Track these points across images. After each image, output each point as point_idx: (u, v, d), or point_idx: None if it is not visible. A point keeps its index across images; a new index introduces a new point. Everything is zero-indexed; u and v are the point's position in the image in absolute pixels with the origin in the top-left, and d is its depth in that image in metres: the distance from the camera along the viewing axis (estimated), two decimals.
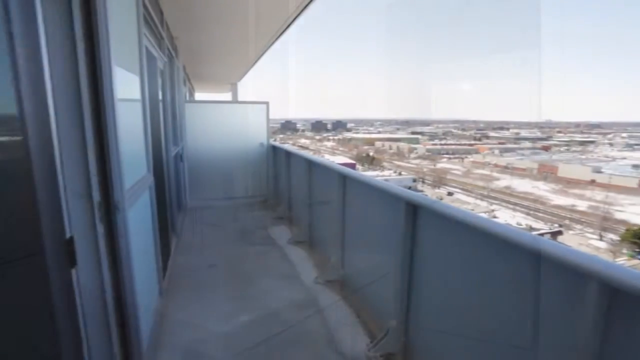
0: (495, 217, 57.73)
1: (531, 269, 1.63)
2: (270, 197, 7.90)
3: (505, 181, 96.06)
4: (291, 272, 4.37)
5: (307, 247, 5.11)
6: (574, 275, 1.34)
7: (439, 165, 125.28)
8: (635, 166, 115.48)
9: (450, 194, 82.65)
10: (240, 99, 13.08)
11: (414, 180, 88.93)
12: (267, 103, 7.96)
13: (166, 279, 4.10)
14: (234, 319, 3.43)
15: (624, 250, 47.40)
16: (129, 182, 2.19)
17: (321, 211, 4.72)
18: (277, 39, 6.83)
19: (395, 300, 2.67)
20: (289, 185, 6.35)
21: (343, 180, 3.82)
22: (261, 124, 7.86)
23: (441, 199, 75.91)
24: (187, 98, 12.07)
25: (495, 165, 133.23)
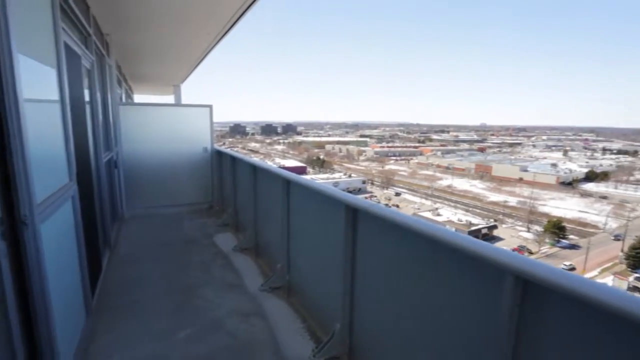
0: (439, 214, 61.39)
1: (457, 266, 1.70)
2: (216, 204, 7.67)
3: (447, 181, 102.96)
4: (236, 280, 4.24)
5: (253, 254, 4.99)
6: (494, 270, 1.44)
7: (387, 167, 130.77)
8: (553, 165, 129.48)
9: (398, 194, 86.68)
10: (186, 101, 12.56)
11: (364, 182, 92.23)
12: (210, 106, 7.67)
13: (96, 297, 3.76)
14: (171, 336, 3.22)
15: (547, 240, 52.98)
16: (43, 193, 1.96)
17: (267, 217, 4.62)
18: (219, 40, 6.63)
19: (340, 303, 2.67)
20: (234, 191, 6.18)
21: (287, 185, 3.77)
22: (205, 128, 7.58)
23: (390, 199, 78.65)
24: (124, 100, 11.30)
25: (438, 166, 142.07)
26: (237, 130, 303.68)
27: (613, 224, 61.14)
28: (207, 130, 7.57)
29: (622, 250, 48.38)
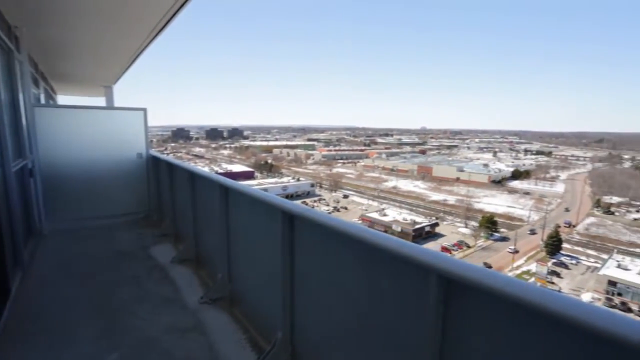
0: (385, 214, 63.60)
1: (388, 267, 1.74)
2: (153, 213, 7.20)
3: (392, 182, 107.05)
4: (173, 294, 4.01)
5: (194, 264, 4.77)
6: (420, 270, 1.50)
7: (335, 170, 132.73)
8: (485, 165, 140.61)
9: (346, 196, 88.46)
10: (122, 104, 11.65)
11: (312, 185, 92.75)
12: (144, 109, 7.12)
13: (2, 325, 3.27)
14: None
15: (482, 234, 57.31)
16: None
17: (207, 225, 4.44)
18: (153, 39, 6.19)
19: (281, 310, 2.64)
20: (172, 199, 5.86)
21: (225, 192, 3.68)
22: (139, 132, 7.08)
23: (338, 202, 79.76)
24: (43, 101, 10.17)
25: (383, 168, 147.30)
26: (180, 134, 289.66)
27: (535, 217, 68.10)
28: (141, 135, 7.09)
29: (542, 240, 54.01)
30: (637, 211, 75.91)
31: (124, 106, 7.44)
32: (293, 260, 2.55)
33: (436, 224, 61.58)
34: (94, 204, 6.88)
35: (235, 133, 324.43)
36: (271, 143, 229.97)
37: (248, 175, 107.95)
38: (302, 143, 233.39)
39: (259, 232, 3.14)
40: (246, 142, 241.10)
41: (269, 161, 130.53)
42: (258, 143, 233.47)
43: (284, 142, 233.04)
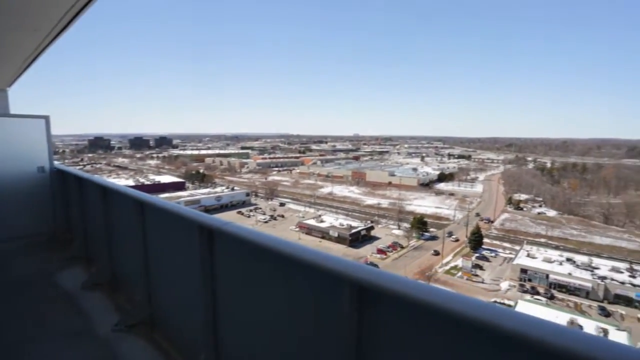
0: (322, 221, 63.67)
1: (307, 279, 1.77)
2: (60, 233, 6.57)
3: (328, 188, 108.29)
4: (82, 325, 3.66)
5: (109, 288, 4.41)
6: (335, 280, 1.52)
7: (270, 178, 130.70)
8: (414, 169, 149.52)
9: (282, 204, 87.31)
10: (25, 111, 9.72)
11: (248, 194, 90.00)
12: (46, 117, 6.25)
13: None
14: None
15: (414, 234, 60.15)
16: None
17: (122, 244, 4.20)
18: (54, 39, 5.10)
19: (203, 332, 2.52)
20: (83, 217, 5.44)
21: (141, 208, 3.48)
22: (39, 143, 6.30)
23: (275, 210, 78.06)
24: None
25: (319, 175, 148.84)
26: (99, 144, 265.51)
27: (459, 215, 73.77)
28: (43, 146, 6.35)
29: (466, 236, 58.47)
30: (540, 206, 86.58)
31: (21, 113, 6.48)
32: (214, 277, 2.46)
33: (372, 228, 63.22)
34: None
35: (163, 142, 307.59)
36: (203, 152, 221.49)
37: (178, 186, 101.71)
38: (236, 151, 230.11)
39: (178, 249, 3.00)
40: (175, 152, 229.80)
41: (201, 171, 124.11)
42: (189, 152, 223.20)
43: (217, 151, 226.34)
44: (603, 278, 41.37)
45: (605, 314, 37.19)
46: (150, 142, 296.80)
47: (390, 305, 1.39)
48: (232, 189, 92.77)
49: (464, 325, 1.13)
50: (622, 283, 40.46)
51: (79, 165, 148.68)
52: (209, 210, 78.71)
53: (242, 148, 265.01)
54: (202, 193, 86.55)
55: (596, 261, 46.93)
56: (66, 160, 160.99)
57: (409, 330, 1.34)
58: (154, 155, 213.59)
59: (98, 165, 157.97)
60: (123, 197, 3.93)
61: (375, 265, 50.09)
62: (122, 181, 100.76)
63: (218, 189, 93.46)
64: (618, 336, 30.45)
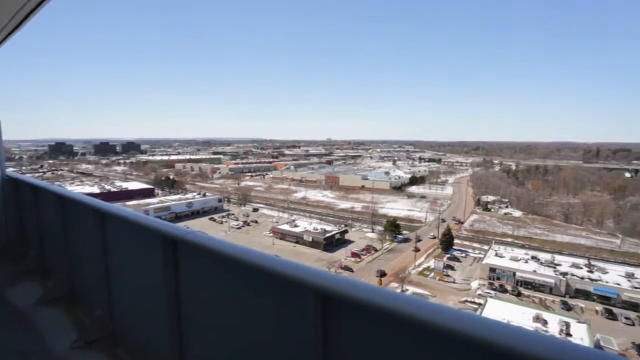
0: (296, 225, 63.22)
1: (272, 288, 1.75)
2: (13, 245, 6.16)
3: (301, 193, 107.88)
4: (35, 344, 3.45)
5: (67, 303, 4.20)
6: (300, 288, 1.51)
7: (243, 183, 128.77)
8: (386, 173, 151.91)
9: (255, 209, 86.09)
10: None
11: (220, 200, 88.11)
12: None
13: None
14: None
15: (387, 237, 60.87)
16: None
17: (82, 256, 4.02)
18: (4, 39, 4.52)
19: (169, 345, 2.47)
20: (39, 228, 5.23)
21: (101, 218, 3.37)
22: None
23: (248, 216, 76.63)
24: None
25: (292, 180, 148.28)
26: (61, 149, 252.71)
27: (431, 217, 75.54)
28: None
29: (437, 238, 59.87)
30: (506, 207, 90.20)
31: None
32: (179, 288, 2.40)
33: (345, 231, 63.44)
34: None
35: (131, 147, 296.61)
36: (173, 157, 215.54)
37: (147, 193, 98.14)
38: (208, 157, 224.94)
39: (141, 260, 2.94)
40: (144, 157, 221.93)
41: (171, 177, 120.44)
42: (158, 157, 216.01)
43: (188, 156, 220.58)
44: (564, 274, 43.47)
45: (567, 308, 39.03)
46: (117, 148, 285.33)
47: (355, 313, 1.38)
48: (204, 195, 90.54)
49: (432, 332, 1.13)
50: (582, 278, 42.67)
51: (38, 172, 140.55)
52: (179, 217, 76.83)
53: (214, 153, 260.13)
54: (172, 200, 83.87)
55: (558, 258, 49.32)
56: (24, 167, 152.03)
57: (375, 337, 1.34)
58: (121, 161, 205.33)
59: (60, 172, 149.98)
60: (83, 207, 3.81)
61: (350, 269, 50.32)
62: (86, 189, 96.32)
63: (189, 195, 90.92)
64: (579, 328, 32.03)
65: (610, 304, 39.55)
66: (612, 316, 37.47)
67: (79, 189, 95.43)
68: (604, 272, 44.55)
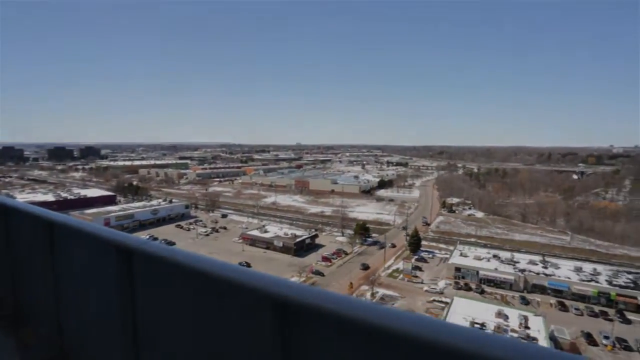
0: (266, 231, 62.69)
1: (232, 299, 1.70)
2: None
3: (271, 198, 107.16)
4: None
5: (9, 323, 3.93)
6: (257, 297, 1.45)
7: (211, 189, 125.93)
8: (355, 177, 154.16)
9: (224, 215, 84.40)
10: None
11: (187, 207, 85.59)
12: None
13: None
14: None
15: (357, 240, 61.78)
16: None
17: (28, 270, 3.82)
18: None
19: None
20: None
21: (50, 228, 3.18)
22: None
23: (217, 222, 74.99)
24: None
25: (262, 185, 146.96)
26: (9, 154, 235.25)
27: (399, 220, 77.55)
28: None
29: (406, 240, 61.56)
30: (470, 208, 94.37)
31: None
32: (135, 302, 2.28)
33: (316, 236, 63.70)
34: None
35: (90, 152, 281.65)
36: (136, 162, 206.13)
37: (108, 201, 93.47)
38: (174, 162, 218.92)
39: (93, 273, 2.79)
40: (104, 162, 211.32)
41: (135, 183, 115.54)
42: (120, 163, 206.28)
43: (153, 161, 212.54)
44: (522, 271, 46.15)
45: (525, 302, 41.44)
46: (74, 153, 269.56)
47: (315, 321, 1.35)
48: (170, 202, 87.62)
49: (390, 338, 1.13)
50: (538, 274, 45.51)
51: None
52: (144, 224, 74.18)
53: (181, 158, 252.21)
54: (136, 207, 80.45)
55: (517, 256, 52.26)
56: None
57: (336, 345, 1.32)
58: (79, 166, 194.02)
59: (8, 179, 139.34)
60: (28, 217, 3.58)
61: (321, 274, 50.58)
62: (38, 197, 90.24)
63: (154, 202, 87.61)
64: (536, 321, 34.15)
65: (562, 296, 42.50)
66: (564, 308, 40.35)
67: (30, 197, 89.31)
68: (557, 267, 47.81)
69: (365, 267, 50.86)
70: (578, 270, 46.99)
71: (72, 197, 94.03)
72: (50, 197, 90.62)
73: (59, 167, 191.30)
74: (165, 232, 68.17)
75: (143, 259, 2.17)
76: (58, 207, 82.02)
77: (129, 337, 2.34)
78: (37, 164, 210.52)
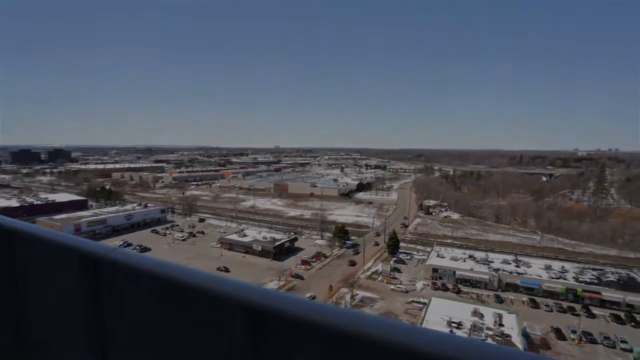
0: (245, 235, 61.93)
1: (202, 307, 1.68)
2: None
3: (250, 201, 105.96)
4: None
5: None
6: (227, 304, 1.43)
7: (188, 193, 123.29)
8: (334, 180, 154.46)
9: (202, 220, 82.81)
10: None
11: (163, 211, 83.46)
12: None
13: None
14: None
15: (337, 243, 62.01)
16: None
17: None
18: None
19: None
20: None
21: (8, 237, 2.98)
22: None
23: (194, 227, 73.28)
24: None
25: (240, 188, 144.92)
26: None
27: (378, 222, 78.46)
28: None
29: (384, 242, 62.36)
30: (446, 210, 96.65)
31: None
32: (101, 313, 2.19)
33: (295, 239, 63.47)
34: None
35: (59, 155, 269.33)
36: (109, 166, 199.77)
37: (79, 205, 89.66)
38: (149, 165, 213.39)
39: (57, 284, 2.63)
40: (75, 166, 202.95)
41: (108, 187, 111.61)
42: (92, 166, 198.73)
43: (126, 165, 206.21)
44: (497, 270, 47.62)
45: (500, 301, 42.75)
46: (42, 156, 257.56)
47: (286, 328, 1.33)
48: (145, 206, 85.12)
49: (363, 344, 1.12)
50: (511, 273, 47.07)
51: None
52: (117, 230, 71.77)
53: (156, 161, 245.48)
54: (108, 212, 77.66)
55: (491, 256, 53.85)
56: None
57: (309, 352, 1.30)
58: (47, 170, 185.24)
59: None
60: None
61: (301, 277, 50.47)
62: (0, 202, 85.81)
63: (128, 207, 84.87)
64: (509, 319, 35.27)
65: (534, 294, 44.15)
66: (535, 305, 41.91)
67: None
68: (528, 266, 49.68)
69: (352, 264, 52.01)
70: (548, 268, 48.99)
71: (38, 202, 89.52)
72: (14, 203, 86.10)
73: (24, 171, 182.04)
74: (140, 237, 66.09)
75: (109, 267, 2.10)
76: (23, 213, 78.01)
77: (95, 349, 2.31)
78: (0, 167, 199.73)
